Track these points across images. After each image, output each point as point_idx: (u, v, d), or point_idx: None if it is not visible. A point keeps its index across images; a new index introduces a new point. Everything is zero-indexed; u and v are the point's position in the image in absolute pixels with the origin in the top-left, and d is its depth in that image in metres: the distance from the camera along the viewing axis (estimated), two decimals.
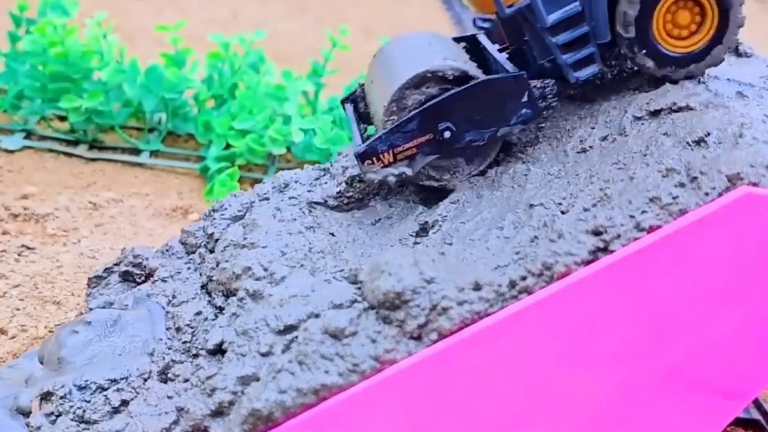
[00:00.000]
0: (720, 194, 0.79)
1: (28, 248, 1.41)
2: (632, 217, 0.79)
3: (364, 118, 1.04)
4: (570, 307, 0.78)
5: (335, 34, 1.89)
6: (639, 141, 0.87)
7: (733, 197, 0.78)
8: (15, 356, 1.15)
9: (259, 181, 1.76)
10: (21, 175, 1.66)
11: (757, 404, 1.16)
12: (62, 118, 1.87)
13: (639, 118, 0.90)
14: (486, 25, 1.05)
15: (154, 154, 1.82)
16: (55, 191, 1.61)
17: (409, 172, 0.93)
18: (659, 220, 0.78)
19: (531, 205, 0.86)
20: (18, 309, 1.25)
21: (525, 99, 0.92)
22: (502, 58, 0.98)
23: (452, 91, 0.91)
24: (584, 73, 0.92)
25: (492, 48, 1.01)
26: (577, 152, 0.92)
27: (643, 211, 0.79)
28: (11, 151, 1.74)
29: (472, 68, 0.94)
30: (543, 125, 1.00)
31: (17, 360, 1.07)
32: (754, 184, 0.79)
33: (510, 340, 0.78)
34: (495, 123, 0.93)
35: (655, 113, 0.90)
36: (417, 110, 0.91)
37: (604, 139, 0.91)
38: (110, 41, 1.77)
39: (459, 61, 0.94)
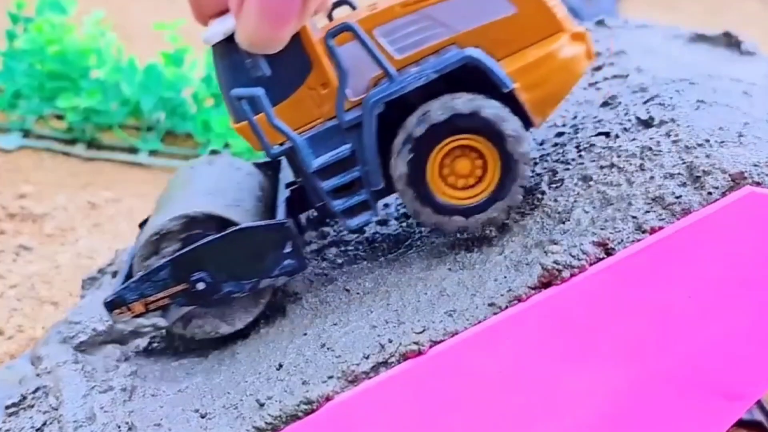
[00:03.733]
0: (723, 194, 0.78)
1: (26, 248, 1.40)
2: (634, 218, 0.78)
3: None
4: (573, 309, 0.78)
5: None
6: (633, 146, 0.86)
7: (737, 197, 0.77)
8: (12, 357, 1.15)
9: None
10: (18, 175, 1.65)
11: (760, 406, 1.16)
12: (60, 117, 1.87)
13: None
14: None
15: (152, 153, 1.81)
16: (52, 191, 1.61)
17: (162, 323, 0.87)
18: (662, 221, 0.78)
19: None
20: (15, 309, 1.25)
21: (288, 249, 0.84)
22: (281, 198, 0.91)
23: (206, 239, 0.84)
24: (357, 221, 0.85)
25: (282, 182, 0.94)
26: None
27: (646, 212, 0.78)
28: (8, 151, 1.73)
29: (238, 213, 0.86)
30: None
31: (15, 361, 1.06)
32: (758, 184, 0.78)
33: (513, 341, 0.78)
34: (255, 273, 0.85)
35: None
36: (168, 259, 0.84)
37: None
38: (108, 39, 1.76)
39: (232, 202, 0.88)
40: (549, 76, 0.82)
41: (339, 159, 0.83)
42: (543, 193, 0.86)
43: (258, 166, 0.97)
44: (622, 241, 0.78)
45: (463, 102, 0.79)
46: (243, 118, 0.82)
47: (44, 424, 0.85)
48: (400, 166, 0.81)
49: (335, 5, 0.91)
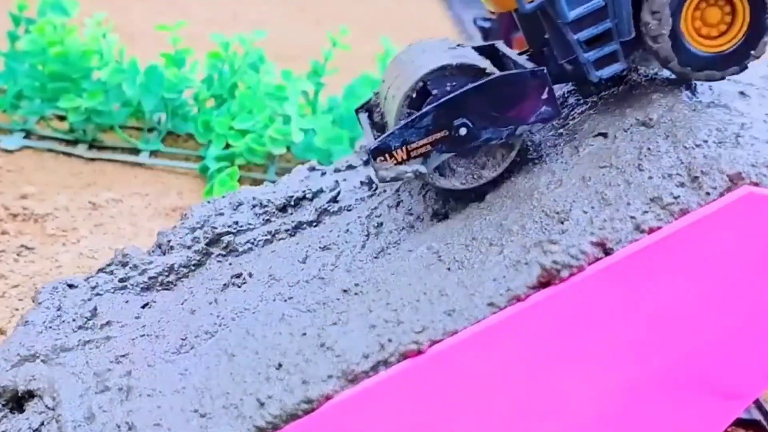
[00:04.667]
0: (721, 194, 0.79)
1: (28, 248, 1.41)
2: (633, 218, 0.79)
3: (378, 127, 1.01)
4: (572, 308, 0.78)
5: (335, 34, 1.89)
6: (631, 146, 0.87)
7: (735, 197, 0.78)
8: None
9: (258, 181, 1.76)
10: (20, 175, 1.66)
11: (758, 405, 1.16)
12: (62, 118, 1.87)
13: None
14: (486, 24, 1.04)
15: (153, 153, 1.82)
16: (54, 191, 1.61)
17: (423, 170, 0.89)
18: (660, 221, 0.78)
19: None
20: (17, 309, 1.25)
21: (545, 96, 0.88)
22: (521, 59, 0.94)
23: (469, 86, 0.87)
24: (607, 71, 0.89)
25: (511, 52, 0.97)
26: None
27: (644, 212, 0.79)
28: (10, 151, 1.74)
29: (490, 66, 0.90)
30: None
31: None
32: (756, 184, 0.79)
33: (511, 342, 0.78)
34: (513, 121, 0.89)
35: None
36: (432, 105, 0.87)
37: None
38: (110, 41, 1.77)
39: (478, 59, 0.90)
40: None
41: (593, 10, 0.87)
42: (541, 193, 0.87)
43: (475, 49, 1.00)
44: (620, 241, 0.78)
45: None
46: None
47: (42, 424, 0.85)
48: (652, 17, 0.86)
49: None
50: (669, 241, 0.78)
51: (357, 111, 1.04)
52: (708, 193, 0.79)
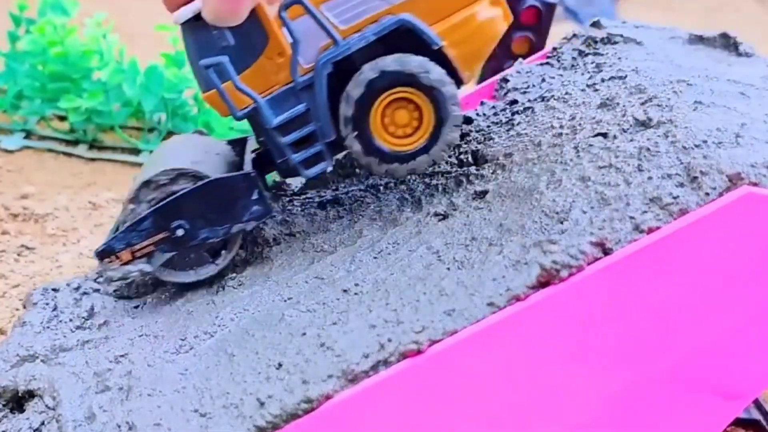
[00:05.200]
0: (720, 194, 0.79)
1: (28, 248, 1.41)
2: (632, 218, 0.79)
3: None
4: (571, 308, 0.78)
5: None
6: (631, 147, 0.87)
7: (734, 197, 0.78)
8: None
9: None
10: (21, 175, 1.66)
11: (758, 404, 1.16)
12: (62, 118, 1.87)
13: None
14: None
15: None
16: (54, 191, 1.61)
17: (148, 268, 0.97)
18: (659, 221, 0.78)
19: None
20: (17, 309, 1.25)
21: (255, 197, 0.96)
22: (247, 158, 1.02)
23: (183, 191, 0.95)
24: (315, 170, 0.96)
25: (248, 149, 1.06)
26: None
27: (644, 212, 0.79)
28: (11, 151, 1.74)
29: (208, 169, 0.97)
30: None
31: None
32: (755, 184, 0.79)
33: (508, 342, 0.78)
34: (228, 220, 0.96)
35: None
36: (150, 210, 0.95)
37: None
38: (110, 41, 1.77)
39: (202, 163, 0.98)
40: (472, 35, 0.95)
41: (295, 115, 0.95)
42: (541, 193, 0.87)
43: (229, 143, 1.10)
44: (619, 241, 0.78)
45: (391, 60, 0.91)
46: (211, 87, 0.94)
47: (42, 424, 0.86)
48: (346, 120, 0.92)
49: None
50: (668, 241, 0.78)
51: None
52: (707, 194, 0.79)
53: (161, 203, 0.95)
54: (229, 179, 0.96)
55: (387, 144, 0.93)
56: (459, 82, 0.93)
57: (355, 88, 0.91)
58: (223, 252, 1.00)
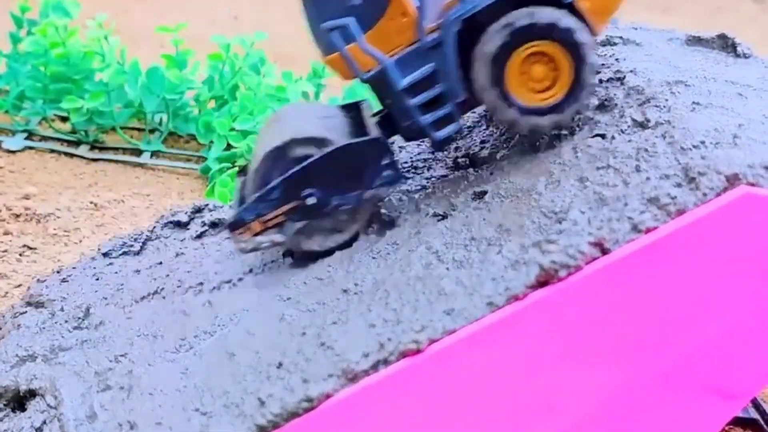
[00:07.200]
0: (718, 194, 0.79)
1: (30, 248, 1.41)
2: (630, 218, 0.79)
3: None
4: (570, 308, 0.79)
5: None
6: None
7: (732, 197, 0.78)
8: None
9: None
10: (22, 176, 1.66)
11: (756, 404, 1.17)
12: (64, 119, 1.88)
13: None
14: None
15: (155, 154, 1.82)
16: (56, 191, 1.62)
17: (280, 239, 0.94)
18: (657, 221, 0.78)
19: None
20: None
21: (385, 162, 0.93)
22: (371, 122, 0.99)
23: (312, 158, 0.92)
24: (444, 132, 0.93)
25: (367, 114, 1.02)
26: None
27: (642, 212, 0.79)
28: (13, 152, 1.74)
29: (334, 135, 0.94)
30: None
31: None
32: (752, 185, 0.79)
33: (507, 342, 0.78)
34: (359, 187, 0.94)
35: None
36: (279, 179, 0.92)
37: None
38: (111, 42, 1.78)
39: (325, 128, 0.95)
40: None
41: (423, 76, 0.91)
42: (540, 193, 0.87)
43: (342, 108, 1.06)
44: (618, 241, 0.78)
45: (522, 13, 0.88)
46: (333, 50, 0.92)
47: (44, 423, 0.86)
48: (481, 73, 0.90)
49: None
50: (666, 241, 0.78)
51: (238, 174, 1.08)
52: (705, 194, 0.79)
53: (291, 172, 0.92)
54: (358, 144, 0.92)
55: (527, 100, 0.91)
56: (593, 34, 0.90)
57: (489, 44, 0.88)
58: (353, 219, 0.96)
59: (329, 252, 0.96)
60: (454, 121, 0.93)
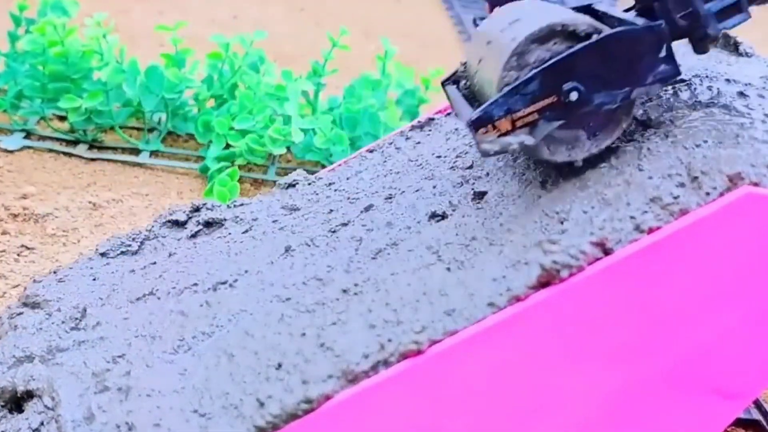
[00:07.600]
0: (721, 194, 0.79)
1: (28, 248, 1.41)
2: (632, 218, 0.79)
3: (467, 98, 0.93)
4: (571, 308, 0.78)
5: (335, 35, 1.89)
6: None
7: (734, 197, 0.78)
8: None
9: (258, 181, 1.76)
10: (21, 175, 1.66)
11: (758, 404, 1.16)
12: (62, 118, 1.87)
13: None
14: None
15: (154, 154, 1.82)
16: (54, 191, 1.61)
17: (530, 141, 0.81)
18: (660, 221, 0.78)
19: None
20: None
21: (663, 54, 0.81)
22: (629, 15, 0.88)
23: (579, 46, 0.80)
24: (730, 22, 0.84)
25: (614, 11, 0.90)
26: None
27: (644, 212, 0.79)
28: (11, 151, 1.74)
29: (599, 24, 0.83)
30: None
31: None
32: (755, 184, 0.79)
33: (508, 343, 0.78)
34: (629, 83, 0.82)
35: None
36: (539, 68, 0.80)
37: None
38: (110, 41, 1.77)
39: (585, 19, 0.83)
40: None
41: None
42: (541, 193, 0.87)
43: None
44: (620, 241, 0.78)
45: None
46: None
47: (41, 424, 0.85)
48: None
49: None
50: (668, 241, 0.78)
51: (444, 83, 0.97)
52: (708, 193, 0.79)
53: (554, 60, 0.80)
54: (633, 32, 0.80)
55: None
56: None
57: None
58: (609, 127, 0.85)
59: (568, 165, 0.86)
60: (741, 11, 0.83)
